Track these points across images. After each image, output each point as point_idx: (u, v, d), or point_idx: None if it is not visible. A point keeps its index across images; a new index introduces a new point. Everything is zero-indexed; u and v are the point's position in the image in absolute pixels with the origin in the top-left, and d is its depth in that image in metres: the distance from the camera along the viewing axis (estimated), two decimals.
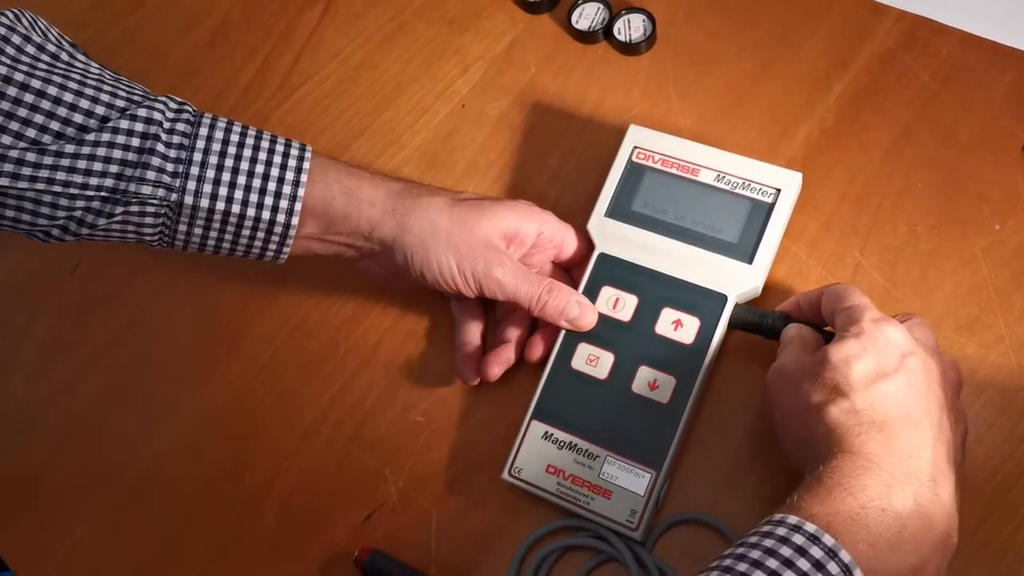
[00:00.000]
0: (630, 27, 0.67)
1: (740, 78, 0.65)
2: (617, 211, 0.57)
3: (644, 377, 0.55)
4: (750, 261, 0.54)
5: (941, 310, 0.56)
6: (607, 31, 0.68)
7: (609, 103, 0.66)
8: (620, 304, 0.56)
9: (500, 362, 0.57)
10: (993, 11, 0.63)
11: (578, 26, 0.68)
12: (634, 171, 0.58)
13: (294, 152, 0.55)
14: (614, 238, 0.57)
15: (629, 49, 0.67)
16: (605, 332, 0.56)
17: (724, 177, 0.56)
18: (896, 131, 0.61)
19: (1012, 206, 0.58)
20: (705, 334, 0.54)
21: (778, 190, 0.55)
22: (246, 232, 0.55)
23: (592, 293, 0.57)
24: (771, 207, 0.55)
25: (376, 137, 0.69)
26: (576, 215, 0.62)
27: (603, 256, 0.57)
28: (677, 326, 0.55)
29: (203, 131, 0.53)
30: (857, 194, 0.60)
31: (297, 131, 0.69)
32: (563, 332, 0.57)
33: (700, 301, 0.55)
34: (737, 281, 0.54)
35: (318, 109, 0.70)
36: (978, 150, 0.60)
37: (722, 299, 0.55)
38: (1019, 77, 0.61)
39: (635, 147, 0.58)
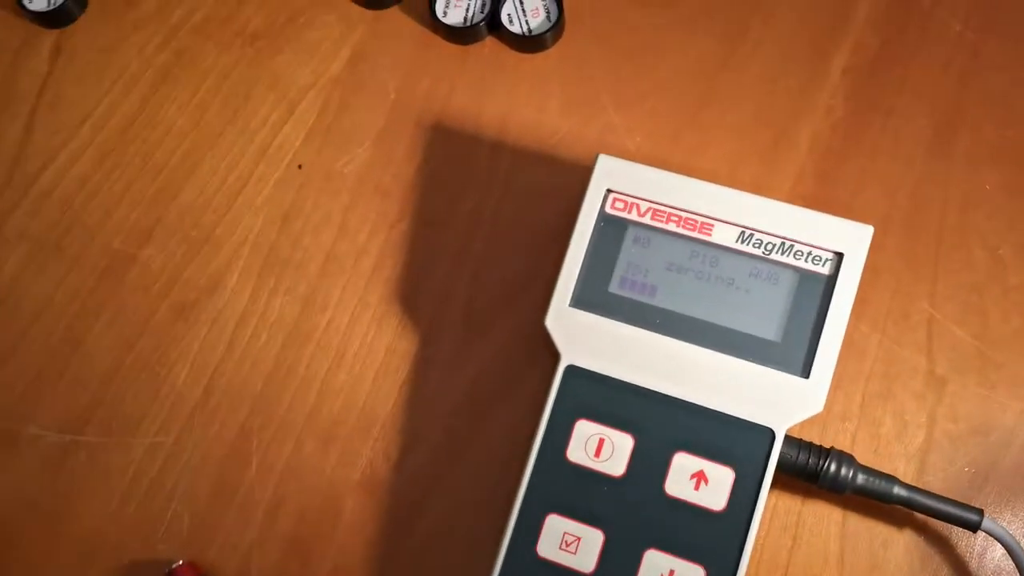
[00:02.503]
0: (524, 11, 0.47)
1: (699, 64, 0.46)
2: (589, 297, 0.38)
3: (654, 569, 0.35)
4: (805, 372, 0.36)
5: None
6: (492, 21, 0.47)
7: (518, 126, 0.46)
8: (607, 449, 0.37)
9: None
10: None
11: (448, 20, 0.47)
12: (610, 231, 0.38)
13: None
14: (588, 341, 0.37)
15: (529, 43, 0.46)
16: (587, 496, 0.36)
17: (752, 236, 0.37)
18: (936, 111, 0.44)
19: None
20: (744, 493, 0.35)
21: (839, 255, 0.36)
22: None
23: (561, 432, 0.37)
24: (830, 282, 0.36)
25: (173, 237, 0.46)
26: (508, 313, 0.42)
27: (573, 371, 0.37)
28: (699, 482, 0.36)
29: None
30: (904, 214, 0.42)
31: (47, 245, 0.46)
32: (520, 497, 0.37)
33: (732, 440, 0.36)
34: (787, 404, 0.36)
35: (74, 205, 0.47)
36: None
37: (766, 435, 0.36)
38: None
39: (609, 191, 0.38)
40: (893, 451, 0.39)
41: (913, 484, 0.39)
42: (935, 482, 0.39)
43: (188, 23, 0.49)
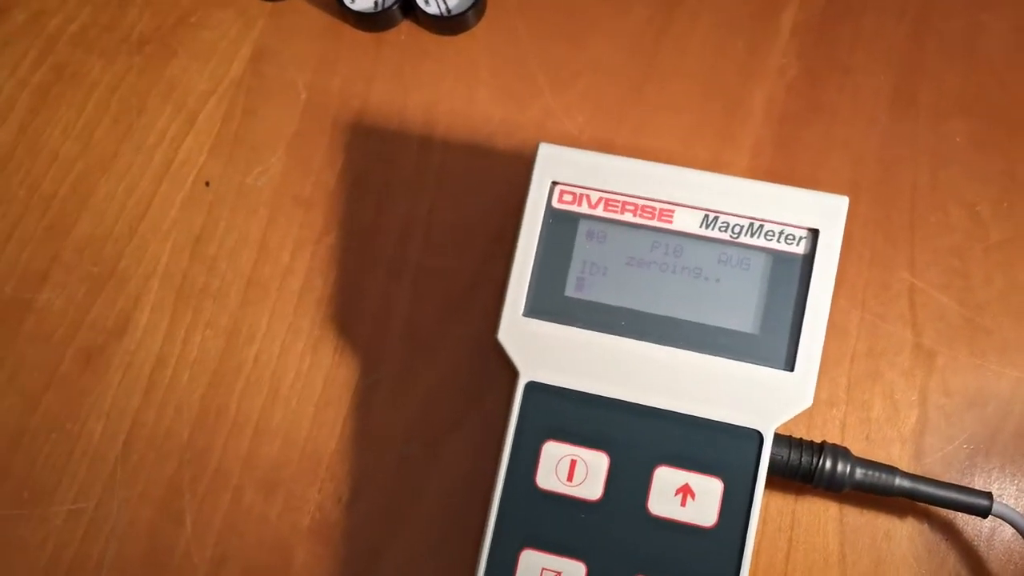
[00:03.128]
0: None
1: (637, 36, 0.42)
2: (544, 304, 0.34)
3: None
4: (789, 365, 0.32)
5: None
6: (406, 3, 0.43)
7: (447, 117, 0.42)
8: (580, 471, 0.33)
9: None
10: None
11: (357, 6, 0.42)
12: (560, 227, 0.34)
13: None
14: (547, 353, 0.33)
15: (449, 24, 0.42)
16: (563, 526, 0.33)
17: (717, 219, 0.33)
18: (894, 64, 0.41)
19: None
20: (735, 504, 0.32)
21: (814, 231, 0.33)
22: None
23: (527, 457, 0.33)
24: (807, 262, 0.33)
25: (72, 276, 0.41)
26: (455, 325, 0.38)
27: (535, 388, 0.34)
28: (685, 498, 0.33)
29: None
30: (873, 179, 0.39)
31: None
32: (489, 533, 0.33)
33: (717, 447, 0.33)
34: (772, 402, 0.32)
35: None
36: (1019, 65, 0.40)
37: (754, 438, 0.32)
38: None
39: (554, 183, 0.34)
40: (886, 435, 0.37)
41: (911, 470, 0.36)
42: (934, 464, 0.36)
43: (65, 34, 0.44)
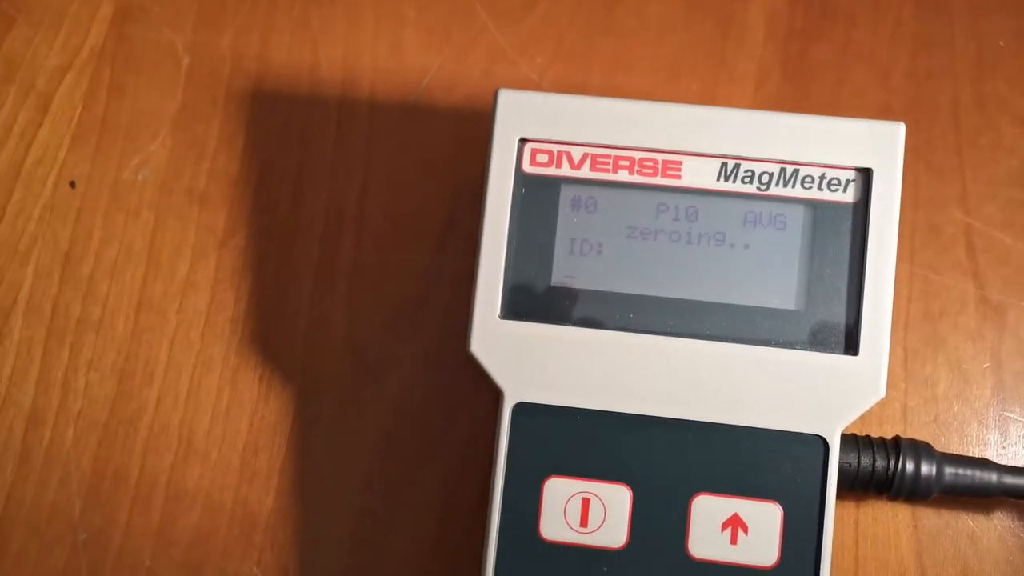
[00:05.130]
0: None
1: None
2: (525, 301, 0.26)
3: None
4: (851, 347, 0.25)
5: None
6: None
7: (370, 73, 0.34)
8: (595, 512, 0.26)
9: None
10: None
11: None
12: (536, 196, 0.27)
13: None
14: (536, 363, 0.26)
15: None
16: None
17: (740, 168, 0.26)
18: None
19: None
20: (800, 534, 0.25)
21: (865, 171, 0.26)
22: None
23: (525, 501, 0.26)
24: (860, 211, 0.26)
25: None
26: (409, 335, 0.31)
27: (526, 411, 0.26)
28: (736, 532, 0.26)
29: None
30: (906, 98, 0.33)
31: None
32: None
33: (770, 463, 0.26)
34: (834, 396, 0.25)
35: None
36: None
37: (816, 445, 0.26)
38: None
39: (523, 141, 0.27)
40: (959, 415, 0.30)
41: (997, 456, 0.30)
42: (1021, 444, 0.30)
43: None
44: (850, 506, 0.30)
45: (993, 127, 0.32)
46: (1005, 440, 0.30)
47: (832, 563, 0.29)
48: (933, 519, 0.30)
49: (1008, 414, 0.30)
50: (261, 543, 0.30)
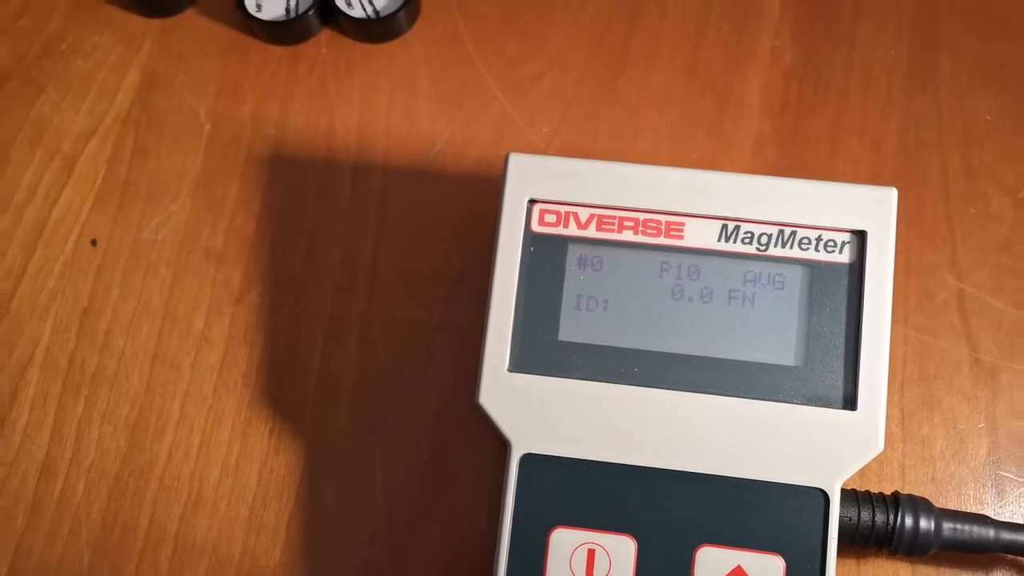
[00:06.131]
0: None
1: (601, 24, 0.37)
2: (533, 355, 0.27)
3: None
4: (849, 402, 0.26)
5: None
6: (324, 8, 0.37)
7: (384, 139, 0.35)
8: (601, 563, 0.27)
9: None
10: None
11: (264, 14, 0.36)
12: (544, 255, 0.28)
13: None
14: (544, 416, 0.27)
15: (378, 29, 0.36)
16: None
17: (740, 230, 0.28)
18: (905, 34, 0.36)
19: None
20: None
21: (859, 233, 0.27)
22: None
23: (532, 552, 0.26)
24: (855, 271, 0.27)
25: None
26: (416, 387, 0.32)
27: (533, 462, 0.27)
28: None
29: None
30: (897, 168, 0.34)
31: None
32: None
33: (772, 515, 0.26)
34: (834, 450, 0.26)
35: None
36: None
37: (816, 498, 0.26)
38: None
39: (532, 202, 0.28)
40: (956, 474, 0.31)
41: (994, 512, 0.30)
42: (1016, 502, 0.31)
43: None
44: (851, 563, 0.30)
45: (981, 196, 0.34)
46: (1002, 499, 0.31)
47: None
48: None
49: (1004, 473, 0.31)
50: None
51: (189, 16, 0.38)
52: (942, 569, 0.30)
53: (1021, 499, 0.31)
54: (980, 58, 0.36)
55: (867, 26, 0.36)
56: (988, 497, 0.31)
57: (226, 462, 0.32)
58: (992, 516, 0.29)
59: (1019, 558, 0.30)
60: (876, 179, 0.34)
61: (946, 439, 0.31)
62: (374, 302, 0.34)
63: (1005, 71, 0.35)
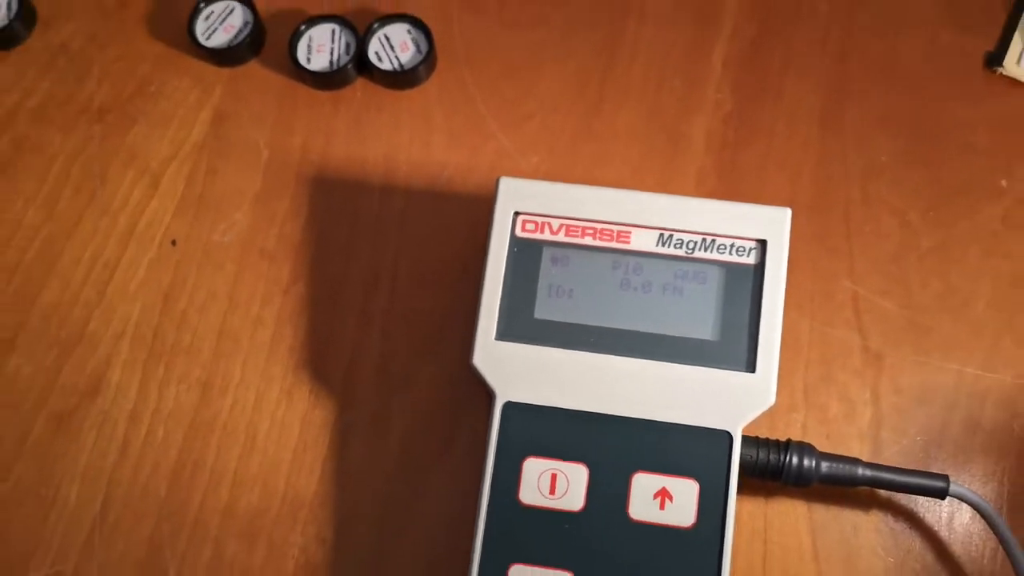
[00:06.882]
0: (392, 47, 0.46)
1: (581, 76, 0.46)
2: (514, 327, 0.37)
3: None
4: (750, 367, 0.36)
5: (992, 326, 0.41)
6: (360, 62, 0.46)
7: (405, 166, 0.45)
8: (561, 484, 0.36)
9: None
10: None
11: (313, 66, 0.46)
12: (524, 254, 0.37)
13: None
14: (521, 373, 0.36)
15: (402, 79, 0.46)
16: (548, 538, 0.35)
17: (672, 237, 0.37)
18: (821, 87, 0.45)
19: (1009, 147, 0.44)
20: (712, 503, 0.35)
21: (762, 242, 0.37)
22: None
23: (509, 475, 0.35)
24: (758, 271, 0.36)
25: (40, 341, 0.43)
26: (428, 360, 0.41)
27: (512, 408, 0.36)
28: (664, 501, 0.35)
29: None
30: (810, 195, 0.44)
31: None
32: (477, 553, 0.35)
33: (690, 450, 0.35)
34: (739, 402, 0.35)
35: None
36: (934, 83, 0.45)
37: (724, 438, 0.35)
38: None
39: (516, 213, 0.37)
40: (845, 433, 0.40)
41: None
42: (892, 457, 0.39)
43: (23, 108, 0.47)
44: (760, 502, 0.39)
45: (875, 219, 0.43)
46: (879, 455, 0.40)
47: (745, 547, 0.39)
48: (824, 514, 0.39)
49: (883, 433, 0.40)
50: (305, 518, 0.40)
51: (252, 66, 0.47)
52: (831, 507, 0.39)
53: (895, 455, 0.40)
54: (880, 107, 0.45)
55: (791, 80, 0.45)
56: (867, 453, 0.39)
57: (274, 416, 0.41)
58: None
59: (879, 491, 0.38)
60: (792, 204, 0.43)
61: (839, 407, 0.40)
62: (395, 294, 0.43)
63: (899, 119, 0.45)
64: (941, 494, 0.36)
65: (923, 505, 0.39)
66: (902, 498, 0.39)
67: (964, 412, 0.40)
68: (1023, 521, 0.38)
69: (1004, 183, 0.43)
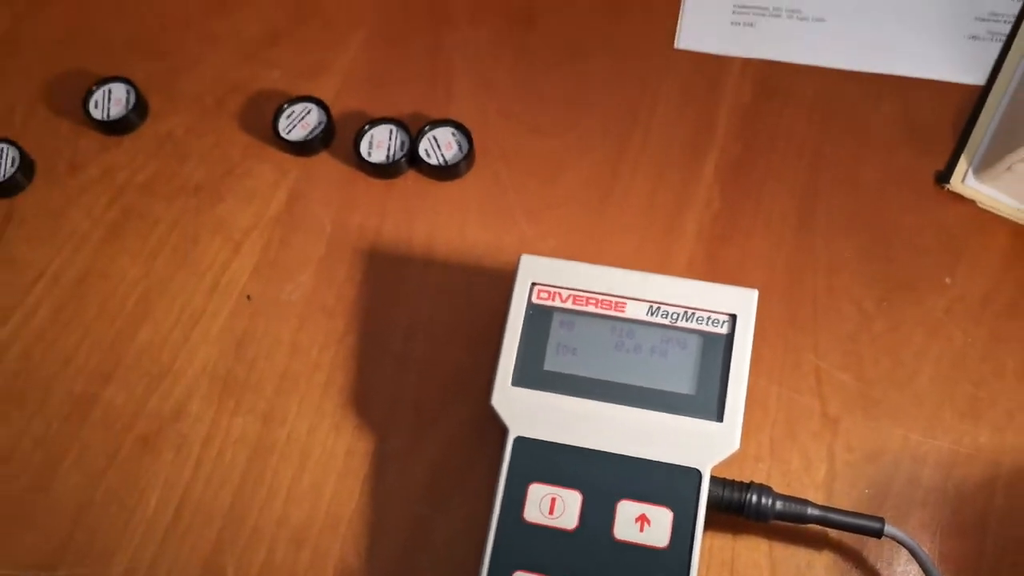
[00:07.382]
0: (439, 146, 0.56)
1: (595, 175, 0.56)
2: (527, 376, 0.45)
3: None
4: (719, 417, 0.43)
5: (933, 399, 0.49)
6: (412, 157, 0.56)
7: (443, 244, 0.54)
8: (559, 506, 0.43)
9: None
10: (845, 43, 0.59)
11: (373, 159, 0.56)
12: (538, 317, 0.46)
13: None
14: (531, 414, 0.44)
15: (446, 173, 0.55)
16: (546, 551, 0.43)
17: (659, 309, 0.45)
18: (796, 193, 0.54)
19: (953, 251, 0.52)
20: (683, 528, 0.42)
21: (733, 316, 0.45)
22: None
23: (516, 497, 0.43)
24: (729, 339, 0.45)
25: (133, 374, 0.51)
26: (455, 403, 0.49)
27: (521, 442, 0.44)
28: (643, 524, 0.43)
29: None
30: (783, 282, 0.52)
31: (10, 397, 0.51)
32: (486, 561, 0.42)
33: (667, 483, 0.43)
34: (709, 446, 0.43)
35: (34, 357, 0.52)
36: (891, 194, 0.54)
37: (695, 475, 0.43)
38: (897, 104, 0.56)
39: (533, 284, 0.46)
40: (803, 483, 0.47)
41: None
42: (842, 505, 0.47)
43: (133, 183, 0.57)
44: (729, 537, 0.46)
45: (837, 305, 0.51)
46: (831, 500, 0.47)
47: (714, 574, 0.46)
48: (783, 551, 0.46)
49: (836, 485, 0.47)
50: (344, 532, 0.48)
51: (323, 157, 0.57)
52: (788, 545, 0.46)
53: (845, 505, 0.47)
54: (845, 212, 0.53)
55: (771, 185, 0.54)
56: (820, 500, 0.47)
57: (323, 445, 0.50)
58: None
59: (831, 533, 0.45)
60: (767, 289, 0.51)
61: (799, 461, 0.48)
62: (429, 347, 0.51)
63: (861, 223, 0.53)
64: (877, 533, 0.43)
65: (868, 548, 0.46)
66: (850, 540, 0.46)
67: (907, 471, 0.47)
68: (952, 567, 0.45)
69: (948, 280, 0.51)
